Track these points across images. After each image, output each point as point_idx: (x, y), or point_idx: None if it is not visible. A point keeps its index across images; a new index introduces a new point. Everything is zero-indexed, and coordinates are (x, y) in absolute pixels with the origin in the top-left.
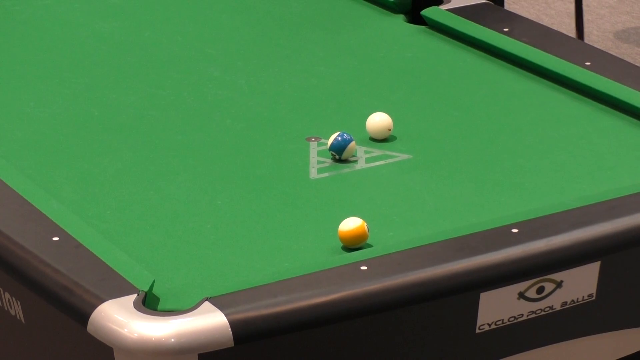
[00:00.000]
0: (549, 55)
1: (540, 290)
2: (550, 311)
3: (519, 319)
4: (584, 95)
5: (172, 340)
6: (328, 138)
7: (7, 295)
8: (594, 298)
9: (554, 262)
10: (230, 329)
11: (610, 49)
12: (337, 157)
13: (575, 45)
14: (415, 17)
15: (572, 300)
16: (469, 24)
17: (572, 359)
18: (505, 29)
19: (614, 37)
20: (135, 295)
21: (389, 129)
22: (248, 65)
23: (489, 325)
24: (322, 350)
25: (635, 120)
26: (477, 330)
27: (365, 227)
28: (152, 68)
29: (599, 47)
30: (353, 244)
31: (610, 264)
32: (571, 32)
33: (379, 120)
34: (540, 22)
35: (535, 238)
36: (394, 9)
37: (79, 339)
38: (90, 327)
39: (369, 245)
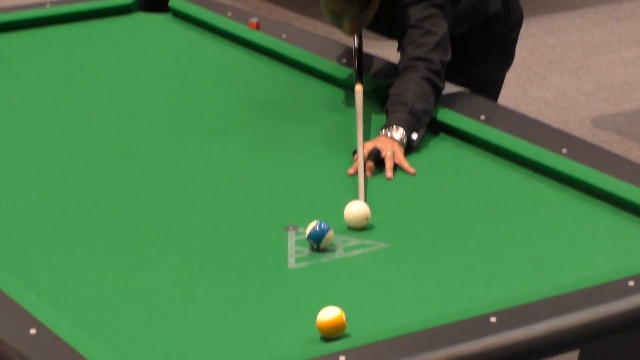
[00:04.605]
0: (526, 142)
1: None
2: None
3: None
4: (561, 182)
5: None
6: (306, 227)
7: None
8: None
9: (533, 351)
10: None
11: (588, 136)
12: (315, 246)
13: (552, 132)
14: None
15: None
16: (446, 111)
17: None
18: (482, 117)
19: (591, 124)
20: None
21: (367, 218)
22: (226, 154)
23: None
24: None
25: (612, 207)
26: None
27: (344, 317)
28: (130, 158)
29: (576, 134)
30: (331, 334)
31: (589, 353)
32: (549, 119)
33: (356, 210)
34: (517, 110)
35: (514, 327)
36: (370, 96)
37: None
38: None
39: (347, 336)
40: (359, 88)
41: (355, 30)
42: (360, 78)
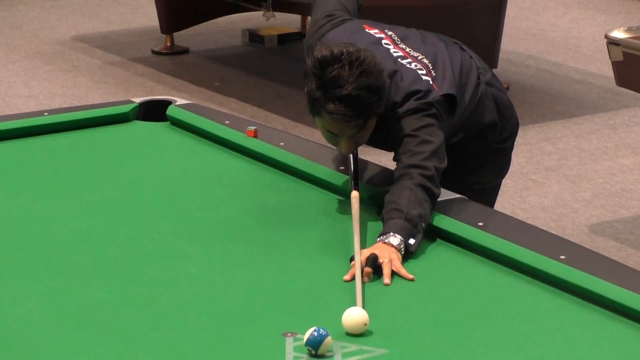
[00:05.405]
0: (524, 249)
1: None
2: None
3: None
4: (560, 288)
5: None
6: (304, 333)
7: None
8: None
9: None
10: None
11: (585, 243)
12: (313, 352)
13: (550, 238)
14: None
15: None
16: (443, 218)
17: None
18: (480, 223)
19: (589, 230)
20: None
21: (365, 324)
22: (223, 261)
23: None
24: None
25: (610, 314)
26: None
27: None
28: (128, 265)
29: (573, 240)
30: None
31: None
32: (546, 226)
33: (355, 315)
34: (515, 216)
35: None
36: (367, 203)
37: None
38: None
39: None
40: (355, 194)
41: (352, 149)
42: (356, 185)
